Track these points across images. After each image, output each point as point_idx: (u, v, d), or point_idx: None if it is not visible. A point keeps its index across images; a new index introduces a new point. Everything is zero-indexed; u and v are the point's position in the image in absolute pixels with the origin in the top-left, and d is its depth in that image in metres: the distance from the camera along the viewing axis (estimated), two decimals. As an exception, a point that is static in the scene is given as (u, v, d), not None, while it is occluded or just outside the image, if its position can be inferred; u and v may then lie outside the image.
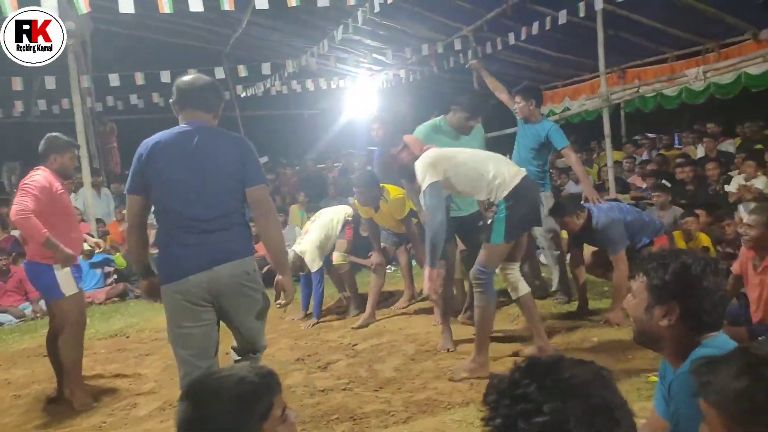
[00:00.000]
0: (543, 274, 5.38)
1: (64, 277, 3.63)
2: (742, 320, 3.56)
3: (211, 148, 2.58)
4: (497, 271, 3.67)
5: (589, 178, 5.44)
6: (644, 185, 7.27)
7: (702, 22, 7.73)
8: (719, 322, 1.62)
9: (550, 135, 4.78)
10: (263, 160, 9.29)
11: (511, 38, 8.59)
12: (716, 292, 1.59)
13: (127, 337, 5.40)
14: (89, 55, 10.75)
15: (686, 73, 7.23)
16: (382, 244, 5.19)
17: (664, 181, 6.62)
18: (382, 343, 4.41)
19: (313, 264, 5.12)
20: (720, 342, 1.57)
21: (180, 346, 2.61)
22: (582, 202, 4.70)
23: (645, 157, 9.04)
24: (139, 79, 9.78)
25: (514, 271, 3.68)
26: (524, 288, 3.68)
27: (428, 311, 4.98)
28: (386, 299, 5.59)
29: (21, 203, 3.47)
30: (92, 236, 5.13)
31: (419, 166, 3.48)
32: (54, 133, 3.82)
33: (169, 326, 2.63)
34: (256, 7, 6.00)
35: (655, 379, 2.15)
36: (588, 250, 4.79)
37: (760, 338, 3.30)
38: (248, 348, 2.74)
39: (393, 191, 4.94)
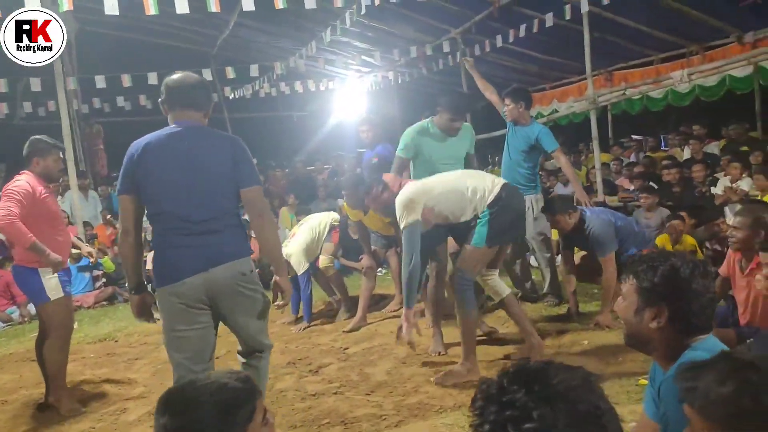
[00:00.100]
0: (533, 277, 5.41)
1: (49, 281, 3.60)
2: (729, 322, 3.58)
3: (204, 149, 2.56)
4: (477, 278, 3.71)
5: (580, 182, 5.47)
6: (631, 187, 7.33)
7: (686, 25, 7.81)
8: (708, 325, 1.64)
9: (540, 138, 4.80)
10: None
11: (499, 40, 8.65)
12: (705, 295, 1.61)
13: (116, 341, 5.36)
14: (75, 57, 10.66)
15: (671, 75, 7.30)
16: (372, 247, 5.19)
17: (651, 183, 6.68)
18: (373, 346, 4.41)
19: (299, 267, 5.12)
20: (709, 345, 1.59)
21: (175, 349, 2.58)
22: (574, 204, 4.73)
23: (632, 159, 9.12)
24: (126, 81, 9.72)
25: (493, 277, 3.72)
26: (505, 290, 3.72)
27: (419, 314, 4.98)
28: (377, 303, 5.59)
29: (6, 208, 3.44)
30: (80, 239, 5.09)
31: (397, 205, 3.52)
32: (37, 136, 3.76)
33: (164, 329, 2.60)
34: (243, 9, 5.98)
35: (645, 382, 2.17)
36: (577, 256, 4.82)
37: (748, 341, 3.32)
38: (253, 348, 2.71)
39: (382, 194, 4.93)
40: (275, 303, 2.95)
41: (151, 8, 5.75)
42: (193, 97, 2.62)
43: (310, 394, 3.58)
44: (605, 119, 10.78)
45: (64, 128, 6.93)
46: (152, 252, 3.26)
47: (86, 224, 7.70)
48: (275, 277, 2.83)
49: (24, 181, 3.59)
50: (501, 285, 3.72)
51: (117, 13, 5.50)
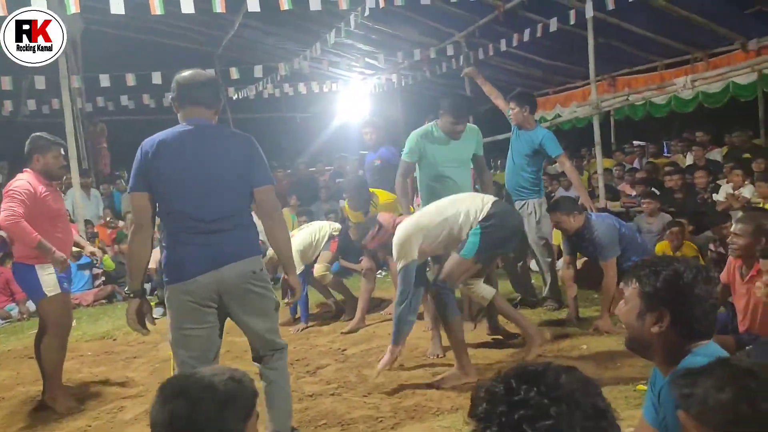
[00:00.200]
0: (533, 281, 5.39)
1: (46, 278, 3.60)
2: (729, 329, 3.58)
3: (218, 148, 2.55)
4: (461, 286, 3.74)
5: (584, 187, 5.47)
6: (634, 193, 7.32)
7: (691, 32, 7.82)
8: (710, 330, 1.63)
9: (544, 143, 4.79)
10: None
11: (503, 45, 8.64)
12: (707, 300, 1.60)
13: (115, 339, 5.35)
14: (79, 55, 10.69)
15: (675, 81, 7.29)
16: (373, 249, 5.18)
17: (653, 189, 6.67)
18: (371, 348, 4.40)
19: None
20: (710, 350, 1.58)
21: (181, 347, 2.56)
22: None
23: (635, 165, 9.11)
24: (130, 80, 9.72)
25: (476, 284, 3.75)
26: (490, 292, 3.78)
27: (418, 317, 4.96)
28: (377, 305, 5.58)
29: (9, 209, 3.45)
30: (81, 237, 5.09)
31: (395, 246, 3.55)
32: (38, 133, 3.76)
33: (171, 327, 2.58)
34: (248, 10, 5.99)
35: (643, 387, 2.16)
36: (579, 263, 4.80)
37: (747, 347, 3.31)
38: (267, 348, 2.68)
39: (382, 196, 4.94)
40: (284, 300, 2.94)
41: (156, 8, 5.78)
42: (204, 95, 2.62)
43: (308, 395, 3.57)
44: (608, 124, 10.77)
45: (67, 126, 6.94)
46: (155, 250, 3.26)
47: (87, 222, 7.70)
48: (284, 275, 2.82)
49: (25, 180, 3.60)
50: (485, 288, 3.78)
51: (123, 12, 5.52)
